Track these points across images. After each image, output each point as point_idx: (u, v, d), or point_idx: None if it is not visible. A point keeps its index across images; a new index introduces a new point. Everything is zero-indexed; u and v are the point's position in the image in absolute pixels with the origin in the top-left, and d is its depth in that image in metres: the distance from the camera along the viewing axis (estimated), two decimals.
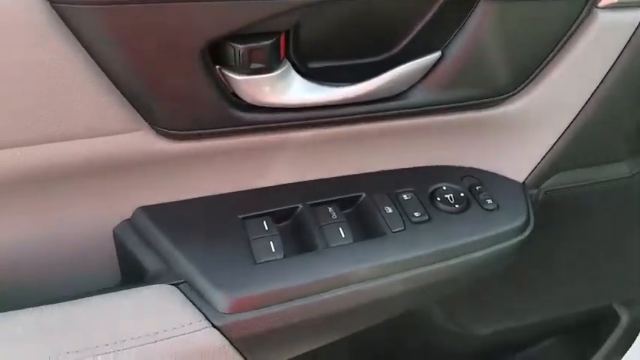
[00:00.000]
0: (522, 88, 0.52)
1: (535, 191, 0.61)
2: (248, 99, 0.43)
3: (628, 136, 0.63)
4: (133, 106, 0.40)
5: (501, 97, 0.52)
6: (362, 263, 0.48)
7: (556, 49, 0.50)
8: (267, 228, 0.50)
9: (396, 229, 0.52)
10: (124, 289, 0.44)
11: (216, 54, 0.40)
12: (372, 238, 0.51)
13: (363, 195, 0.54)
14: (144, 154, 0.44)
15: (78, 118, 0.40)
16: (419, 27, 0.47)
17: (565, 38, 0.50)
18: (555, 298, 0.82)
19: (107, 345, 0.40)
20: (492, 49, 0.47)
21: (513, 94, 0.52)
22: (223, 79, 0.42)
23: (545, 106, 0.55)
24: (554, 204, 0.63)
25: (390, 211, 0.53)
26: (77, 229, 0.49)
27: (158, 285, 0.45)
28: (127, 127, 0.42)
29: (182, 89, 0.40)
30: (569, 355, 1.00)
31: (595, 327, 0.96)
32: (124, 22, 0.35)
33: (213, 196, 0.51)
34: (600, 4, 0.49)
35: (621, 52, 0.52)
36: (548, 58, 0.51)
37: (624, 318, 0.93)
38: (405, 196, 0.55)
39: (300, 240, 0.51)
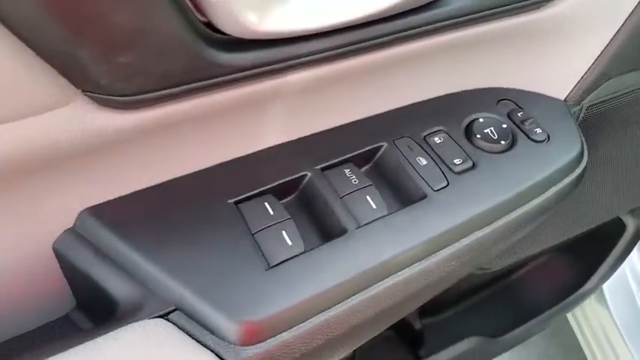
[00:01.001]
0: None
1: (576, 109, 0.51)
2: (231, 30, 0.28)
3: None
4: (54, 65, 0.25)
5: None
6: (408, 240, 0.37)
7: None
8: (272, 212, 0.36)
9: (439, 187, 0.40)
10: (90, 338, 0.30)
11: None
12: (411, 203, 0.39)
13: (384, 145, 0.42)
14: (81, 135, 0.29)
15: None
16: None
17: None
18: (572, 218, 0.76)
19: None
20: None
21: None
22: (191, 4, 0.26)
23: (596, 4, 0.43)
24: (590, 120, 0.54)
25: (425, 162, 0.41)
26: (9, 253, 0.33)
27: (138, 322, 0.31)
28: (51, 102, 0.26)
29: (128, 26, 0.25)
30: (576, 265, 0.96)
31: (601, 238, 0.92)
32: None
33: (185, 177, 0.37)
34: None
35: None
36: None
37: (630, 226, 0.89)
38: (436, 139, 0.43)
39: (317, 221, 0.38)
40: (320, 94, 0.38)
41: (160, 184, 0.36)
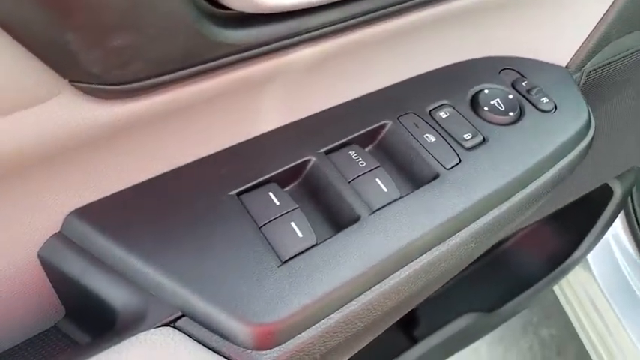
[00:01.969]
0: None
1: (577, 75, 0.50)
2: (235, 4, 0.25)
3: None
4: (37, 54, 0.22)
5: None
6: (425, 223, 0.35)
7: None
8: (277, 202, 0.34)
9: (451, 165, 0.38)
10: (93, 352, 0.28)
11: None
12: (423, 184, 0.37)
13: (389, 123, 0.40)
14: (68, 129, 0.26)
15: None
16: None
17: None
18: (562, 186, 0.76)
19: None
20: None
21: None
22: None
23: None
24: (589, 86, 0.53)
25: (433, 139, 0.39)
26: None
27: (143, 333, 0.29)
28: (34, 94, 0.23)
29: (121, 4, 0.22)
30: (565, 233, 0.97)
31: (589, 205, 0.93)
32: None
33: (181, 168, 0.34)
34: None
35: None
36: None
37: (617, 192, 0.90)
38: (442, 114, 0.41)
39: (326, 209, 0.36)
40: (323, 72, 0.36)
41: (155, 178, 0.33)
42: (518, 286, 0.93)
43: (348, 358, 0.39)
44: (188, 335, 0.30)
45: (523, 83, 0.44)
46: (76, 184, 0.31)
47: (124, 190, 0.33)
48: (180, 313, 0.30)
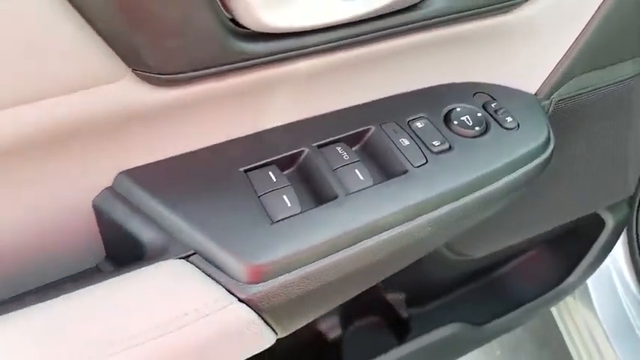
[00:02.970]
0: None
1: (546, 102, 0.59)
2: (251, 25, 0.37)
3: (633, 37, 0.61)
4: (113, 47, 0.33)
5: (507, 4, 0.48)
6: (390, 206, 0.45)
7: None
8: (275, 179, 0.45)
9: (418, 164, 0.48)
10: (125, 272, 0.39)
11: None
12: (394, 176, 0.47)
13: (372, 128, 0.50)
14: (127, 107, 0.37)
15: (42, 71, 0.32)
16: None
17: None
18: (548, 209, 0.84)
19: (117, 344, 0.36)
20: None
21: (515, 4, 0.49)
22: (219, 2, 0.35)
23: (560, 8, 0.52)
24: (562, 114, 0.62)
25: (407, 142, 0.49)
26: (50, 207, 0.42)
27: (164, 261, 0.40)
28: (106, 76, 0.35)
29: (170, 18, 0.33)
30: (559, 260, 1.04)
31: (580, 234, 1.00)
32: None
33: (205, 148, 0.45)
34: None
35: None
36: None
37: (609, 223, 0.98)
38: (418, 124, 0.51)
39: (313, 189, 0.46)
40: (320, 81, 0.47)
41: (185, 154, 0.45)
42: (510, 305, 1.00)
43: (318, 311, 0.49)
44: (197, 267, 0.40)
45: (492, 105, 0.54)
46: (125, 151, 0.42)
47: (161, 160, 0.44)
48: (193, 252, 0.41)
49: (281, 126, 0.48)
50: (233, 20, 0.36)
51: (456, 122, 0.52)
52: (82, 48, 0.33)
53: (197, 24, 0.34)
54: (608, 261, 1.22)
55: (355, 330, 0.95)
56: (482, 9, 0.48)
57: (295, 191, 0.45)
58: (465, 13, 0.47)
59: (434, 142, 0.50)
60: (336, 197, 0.45)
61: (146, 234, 0.42)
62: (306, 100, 0.48)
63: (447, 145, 0.50)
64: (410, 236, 0.46)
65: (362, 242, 0.44)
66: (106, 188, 0.43)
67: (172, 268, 0.40)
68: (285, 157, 0.47)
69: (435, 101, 0.54)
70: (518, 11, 0.51)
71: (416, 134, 0.50)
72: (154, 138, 0.42)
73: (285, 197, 0.44)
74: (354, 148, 0.50)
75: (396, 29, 0.44)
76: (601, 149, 0.78)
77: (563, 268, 1.02)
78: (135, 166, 0.43)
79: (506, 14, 0.51)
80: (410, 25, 0.44)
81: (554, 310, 1.36)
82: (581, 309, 1.32)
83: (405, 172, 0.48)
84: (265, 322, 0.42)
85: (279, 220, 0.43)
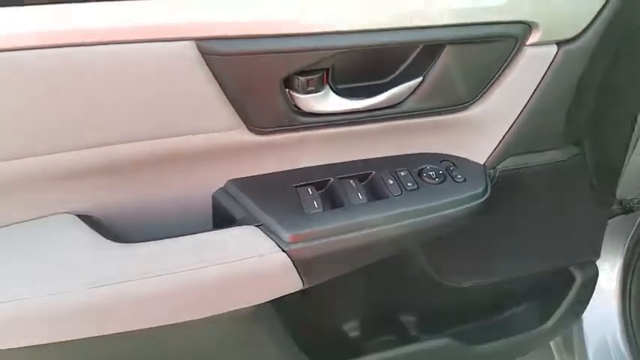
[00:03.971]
0: (478, 99, 0.84)
1: (492, 171, 0.93)
2: (304, 108, 0.75)
3: (558, 132, 0.94)
4: (239, 114, 0.72)
5: (463, 105, 0.84)
6: (374, 215, 0.80)
7: (499, 72, 0.82)
8: (310, 193, 0.81)
9: (396, 194, 0.83)
10: (221, 230, 0.76)
11: (287, 82, 0.72)
12: (380, 199, 0.82)
13: (373, 172, 0.86)
14: (238, 143, 0.76)
15: (203, 122, 0.71)
16: (407, 63, 0.79)
17: (505, 65, 0.81)
18: (517, 259, 1.14)
19: (206, 261, 0.72)
20: (454, 75, 0.79)
21: (472, 103, 0.84)
22: (290, 97, 0.73)
23: (495, 110, 0.87)
24: (507, 181, 0.95)
25: (392, 182, 0.85)
26: (189, 195, 0.80)
27: (245, 226, 0.76)
28: (232, 126, 0.73)
29: (269, 102, 0.72)
30: (533, 316, 1.30)
31: (555, 289, 1.27)
32: (243, 65, 0.67)
33: (278, 172, 0.83)
34: (527, 43, 0.81)
35: (544, 74, 0.84)
36: (494, 79, 0.83)
37: (578, 279, 1.25)
38: (402, 173, 0.87)
39: (332, 201, 0.82)
40: (339, 141, 0.84)
41: (266, 174, 0.82)
42: (499, 334, 1.26)
43: (331, 272, 0.83)
44: (263, 232, 0.76)
45: (451, 167, 0.89)
46: (233, 167, 0.80)
47: (251, 176, 0.82)
48: (261, 224, 0.77)
49: (317, 165, 0.86)
50: (295, 105, 0.75)
51: (424, 175, 0.87)
52: (223, 113, 0.72)
53: (280, 107, 0.73)
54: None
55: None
56: (442, 108, 0.84)
57: (321, 200, 0.81)
58: (430, 110, 0.83)
59: (408, 184, 0.85)
60: (342, 205, 0.80)
61: (238, 214, 0.79)
62: (335, 151, 0.85)
63: (416, 186, 0.85)
64: (385, 233, 0.81)
65: (356, 232, 0.79)
66: (220, 188, 0.81)
67: (248, 231, 0.76)
68: (319, 182, 0.83)
69: (415, 162, 0.89)
70: (468, 110, 0.86)
71: (399, 178, 0.86)
72: (249, 162, 0.80)
73: (314, 202, 0.80)
74: (361, 183, 0.86)
75: (383, 117, 0.81)
76: (554, 215, 1.08)
77: (543, 312, 1.29)
78: (237, 177, 0.81)
79: (460, 112, 0.86)
80: (391, 116, 0.81)
81: None
82: None
83: (388, 197, 0.82)
84: (297, 271, 0.77)
85: (310, 214, 0.78)
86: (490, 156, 0.92)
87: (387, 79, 0.80)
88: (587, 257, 1.22)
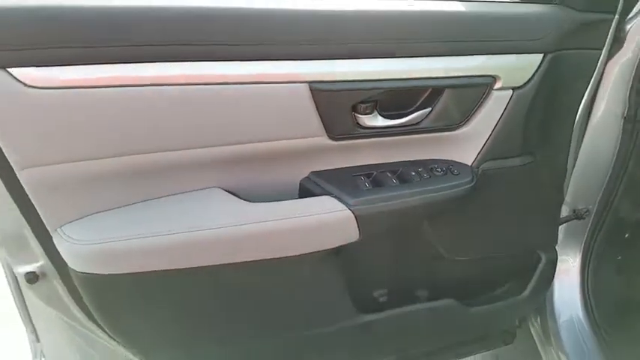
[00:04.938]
0: (465, 122, 1.36)
1: (476, 169, 1.44)
2: (362, 124, 1.26)
3: (516, 145, 1.46)
4: (324, 126, 1.23)
5: (456, 125, 1.36)
6: (402, 191, 1.30)
7: (477, 106, 1.34)
8: (363, 179, 1.32)
9: (416, 180, 1.33)
10: (308, 198, 1.26)
11: (354, 107, 1.23)
12: (405, 183, 1.33)
13: (401, 168, 1.37)
14: (321, 146, 1.26)
15: (302, 131, 1.22)
16: (422, 98, 1.31)
17: (481, 101, 1.34)
18: (497, 239, 1.63)
19: (292, 213, 1.21)
20: (450, 107, 1.31)
21: (461, 125, 1.36)
22: (354, 117, 1.25)
23: (476, 131, 1.39)
24: (486, 176, 1.45)
25: (413, 174, 1.35)
26: (285, 181, 1.30)
27: (324, 196, 1.26)
28: (318, 134, 1.24)
29: (342, 119, 1.23)
30: (513, 287, 1.76)
31: (526, 267, 1.75)
32: (331, 97, 1.19)
33: (344, 167, 1.34)
34: (494, 88, 1.34)
35: (505, 108, 1.36)
36: (474, 110, 1.35)
37: (543, 259, 1.73)
38: (419, 169, 1.37)
39: (376, 184, 1.32)
40: (382, 147, 1.35)
41: (337, 168, 1.33)
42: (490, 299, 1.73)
43: (380, 228, 1.32)
44: (338, 200, 1.26)
45: (450, 166, 1.40)
46: (314, 162, 1.32)
47: (326, 169, 1.33)
48: (334, 195, 1.27)
49: (367, 165, 1.36)
50: (357, 122, 1.26)
51: (433, 169, 1.38)
52: (314, 126, 1.22)
53: (348, 123, 1.24)
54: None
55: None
56: (443, 127, 1.36)
57: (369, 183, 1.31)
58: (435, 128, 1.35)
59: (424, 175, 1.35)
60: (382, 186, 1.30)
61: (318, 193, 1.29)
62: (376, 154, 1.36)
63: (428, 176, 1.35)
64: (409, 203, 1.30)
65: (391, 201, 1.29)
66: (305, 177, 1.32)
67: (327, 198, 1.26)
68: (368, 173, 1.34)
69: (426, 163, 1.40)
70: (459, 129, 1.37)
71: (417, 172, 1.36)
72: (325, 160, 1.31)
73: (366, 183, 1.30)
74: (394, 175, 1.36)
75: (408, 130, 1.32)
76: (519, 206, 1.59)
77: (519, 284, 1.76)
78: (316, 170, 1.32)
79: (454, 130, 1.38)
80: (412, 130, 1.33)
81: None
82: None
83: (411, 182, 1.33)
84: (357, 223, 1.26)
85: (364, 190, 1.28)
86: (474, 160, 1.43)
87: (411, 108, 1.33)
88: (548, 242, 1.71)
